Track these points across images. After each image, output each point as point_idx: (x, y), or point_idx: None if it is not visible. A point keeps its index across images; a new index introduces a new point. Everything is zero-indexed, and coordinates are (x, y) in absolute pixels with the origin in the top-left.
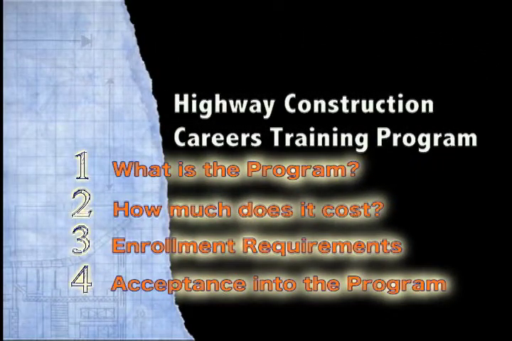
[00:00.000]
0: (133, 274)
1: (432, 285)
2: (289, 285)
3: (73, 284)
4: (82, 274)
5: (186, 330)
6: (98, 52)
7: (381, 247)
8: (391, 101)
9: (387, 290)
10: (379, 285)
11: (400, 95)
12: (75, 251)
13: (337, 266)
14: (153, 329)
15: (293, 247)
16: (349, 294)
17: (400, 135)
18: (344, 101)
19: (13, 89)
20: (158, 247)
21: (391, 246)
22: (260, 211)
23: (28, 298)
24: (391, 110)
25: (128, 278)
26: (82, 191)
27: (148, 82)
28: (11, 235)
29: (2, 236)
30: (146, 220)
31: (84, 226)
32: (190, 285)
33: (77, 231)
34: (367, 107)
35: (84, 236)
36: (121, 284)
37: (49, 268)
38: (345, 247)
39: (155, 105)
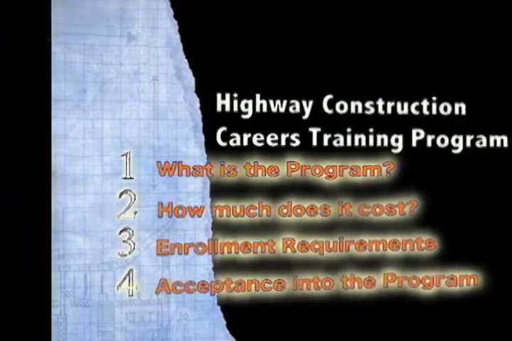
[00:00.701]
0: (176, 276)
1: (464, 280)
2: (327, 283)
3: (119, 288)
4: (128, 277)
5: (228, 332)
6: (143, 49)
7: (416, 245)
8: (425, 103)
9: (421, 286)
10: (414, 282)
11: (434, 98)
12: (120, 253)
13: (373, 263)
14: (196, 331)
15: (331, 246)
16: (385, 291)
17: (433, 136)
18: (380, 102)
19: (61, 86)
20: (200, 248)
21: (425, 243)
22: (299, 211)
23: (76, 303)
24: (425, 112)
25: (172, 280)
26: (128, 191)
27: (191, 80)
28: (60, 238)
29: (51, 239)
30: (189, 221)
31: (129, 228)
32: (232, 285)
33: (122, 233)
34: (402, 109)
35: (129, 238)
36: (165, 287)
37: (96, 272)
38: (381, 245)
39: (198, 104)
